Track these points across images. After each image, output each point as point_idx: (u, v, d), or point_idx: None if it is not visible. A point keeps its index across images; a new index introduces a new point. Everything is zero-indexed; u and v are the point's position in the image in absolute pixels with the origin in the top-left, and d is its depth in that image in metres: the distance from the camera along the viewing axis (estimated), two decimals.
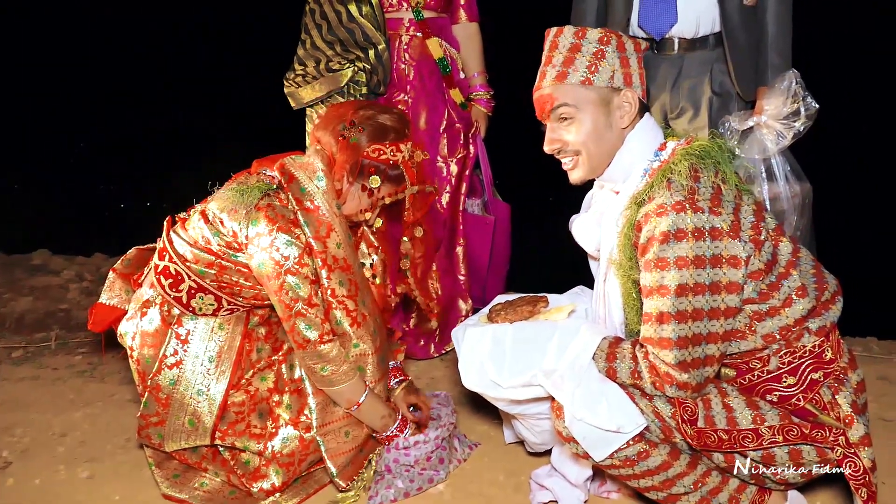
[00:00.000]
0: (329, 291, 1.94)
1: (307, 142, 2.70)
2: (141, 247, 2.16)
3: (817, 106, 2.24)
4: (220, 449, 2.06)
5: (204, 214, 1.96)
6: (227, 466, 2.05)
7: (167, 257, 1.98)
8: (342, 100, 2.63)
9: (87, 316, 2.14)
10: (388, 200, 2.05)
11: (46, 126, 6.23)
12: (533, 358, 1.75)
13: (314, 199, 1.94)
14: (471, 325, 1.97)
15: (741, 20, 2.33)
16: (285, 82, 2.70)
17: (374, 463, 2.08)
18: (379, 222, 2.15)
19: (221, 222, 1.92)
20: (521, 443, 2.15)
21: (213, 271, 1.95)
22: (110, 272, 2.15)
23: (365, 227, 2.19)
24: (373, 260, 2.21)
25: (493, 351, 1.81)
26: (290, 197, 1.93)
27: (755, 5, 2.35)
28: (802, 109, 2.23)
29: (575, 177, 1.80)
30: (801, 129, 2.25)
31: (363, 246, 2.21)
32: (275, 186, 1.95)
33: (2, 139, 6.09)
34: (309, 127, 2.74)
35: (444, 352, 2.89)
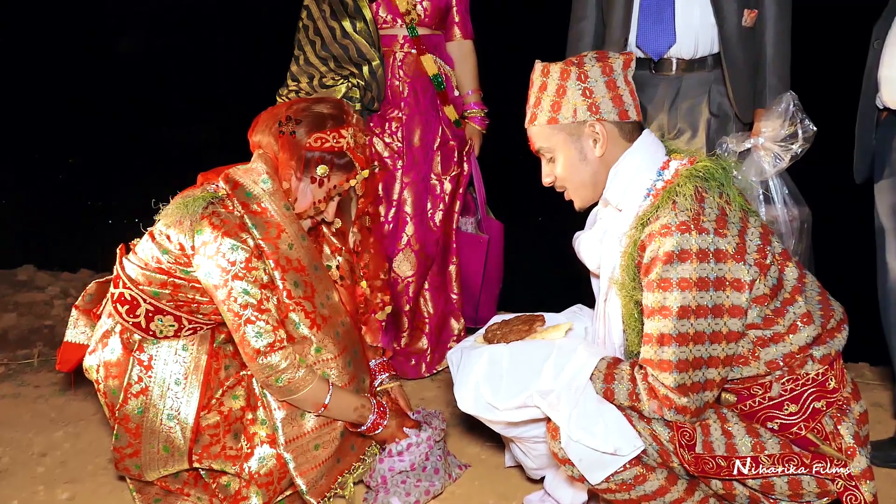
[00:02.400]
0: (285, 293, 1.91)
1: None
2: (100, 280, 2.14)
3: (815, 129, 2.24)
4: (202, 473, 2.02)
5: (151, 234, 1.94)
6: (209, 490, 2.01)
7: (121, 283, 1.95)
8: None
9: (56, 356, 2.11)
10: (340, 189, 2.00)
11: (33, 141, 6.20)
12: (529, 378, 1.73)
13: (261, 202, 1.91)
14: (466, 346, 1.95)
15: (740, 41, 2.34)
16: (278, 98, 2.68)
17: (355, 476, 2.03)
18: (338, 223, 2.11)
19: (168, 238, 1.89)
20: (519, 467, 2.11)
21: (167, 291, 1.92)
22: (73, 309, 2.11)
23: (325, 230, 2.15)
24: (338, 261, 2.17)
25: (489, 372, 1.78)
26: (236, 202, 1.90)
27: (754, 27, 2.36)
28: (800, 132, 2.23)
29: (576, 206, 1.85)
30: (799, 151, 2.25)
31: (325, 248, 2.17)
32: (220, 195, 1.92)
33: None
34: None
35: (435, 371, 2.86)
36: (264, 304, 1.86)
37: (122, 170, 6.10)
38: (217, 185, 1.94)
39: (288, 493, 2.02)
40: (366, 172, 2.02)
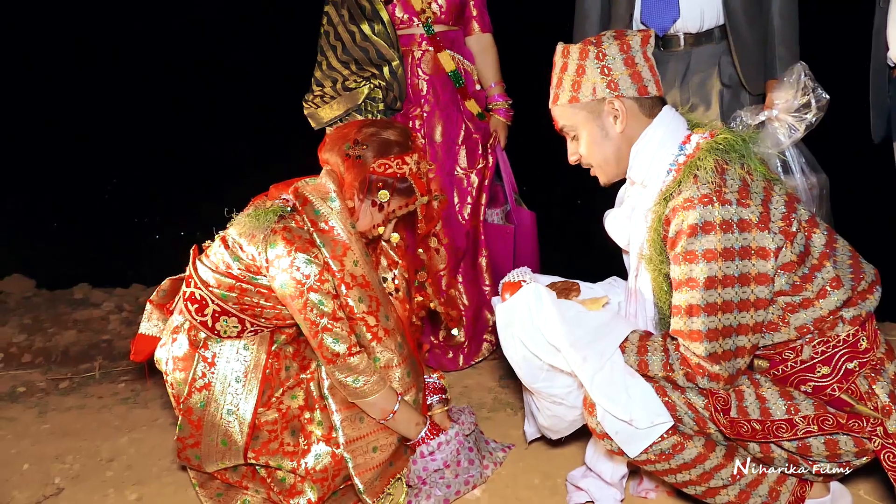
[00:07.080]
0: (348, 309, 1.99)
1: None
2: (173, 277, 2.23)
3: (828, 97, 2.23)
4: (258, 468, 2.10)
5: (224, 240, 2.02)
6: (265, 484, 2.09)
7: (192, 283, 2.05)
8: (360, 118, 2.66)
9: (130, 346, 2.21)
10: (399, 213, 2.08)
11: (79, 164, 6.39)
12: (565, 326, 1.75)
13: (328, 220, 1.98)
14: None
15: (745, 14, 2.33)
16: (304, 104, 2.75)
17: (404, 478, 2.10)
18: (396, 237, 2.18)
19: (241, 247, 1.98)
20: (548, 441, 2.13)
21: (234, 294, 2.01)
22: (147, 303, 2.22)
23: (383, 243, 2.23)
24: (393, 274, 2.24)
25: (536, 295, 1.80)
26: (306, 219, 1.98)
27: None
28: (813, 101, 2.21)
29: (601, 182, 1.89)
30: (814, 120, 2.23)
31: (383, 261, 2.25)
32: (289, 209, 2.00)
33: (37, 180, 6.29)
34: None
35: (472, 363, 2.90)
36: (338, 313, 1.95)
37: (166, 186, 6.26)
38: (287, 199, 2.02)
39: (341, 487, 2.08)
40: (425, 199, 2.08)
